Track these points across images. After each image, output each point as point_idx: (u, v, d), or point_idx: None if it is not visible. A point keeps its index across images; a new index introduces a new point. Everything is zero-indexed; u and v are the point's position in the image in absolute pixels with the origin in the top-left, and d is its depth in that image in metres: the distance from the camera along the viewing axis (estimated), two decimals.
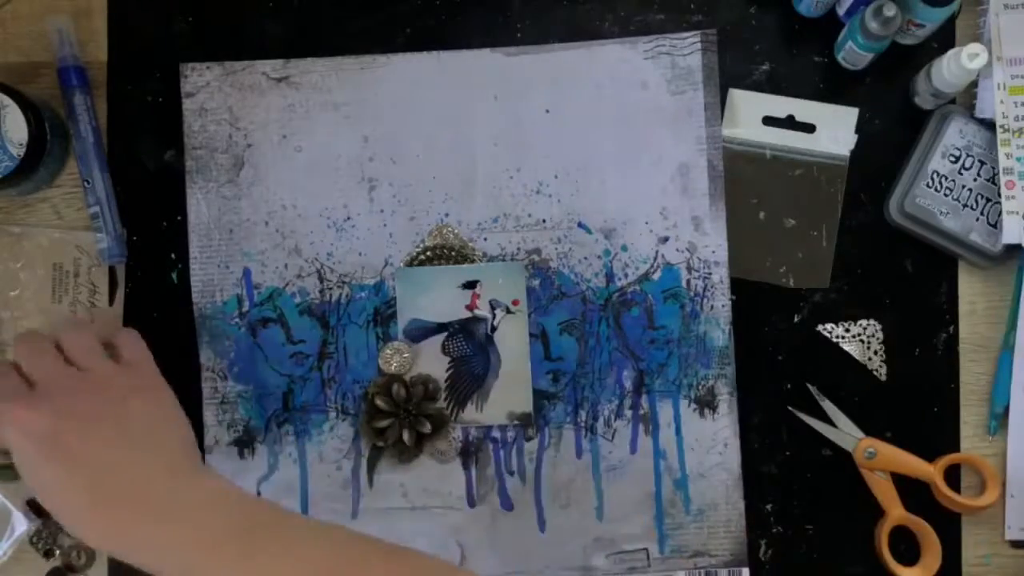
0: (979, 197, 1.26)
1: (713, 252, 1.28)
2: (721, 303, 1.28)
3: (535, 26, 1.30)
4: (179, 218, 1.30)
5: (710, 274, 1.28)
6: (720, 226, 1.28)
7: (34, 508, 1.29)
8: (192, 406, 1.26)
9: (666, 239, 1.28)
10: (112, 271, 1.31)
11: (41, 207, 1.32)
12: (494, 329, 1.27)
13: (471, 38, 1.30)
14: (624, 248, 1.28)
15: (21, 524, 1.28)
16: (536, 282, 1.28)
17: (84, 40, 1.31)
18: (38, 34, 1.31)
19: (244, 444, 1.28)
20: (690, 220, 1.28)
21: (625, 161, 1.28)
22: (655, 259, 1.28)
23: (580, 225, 1.28)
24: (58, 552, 1.29)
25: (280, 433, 1.28)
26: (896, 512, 1.27)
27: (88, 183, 1.28)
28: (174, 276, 1.30)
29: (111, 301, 1.30)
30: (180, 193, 1.30)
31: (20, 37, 1.32)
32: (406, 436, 1.25)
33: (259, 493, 1.28)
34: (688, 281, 1.28)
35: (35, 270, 1.30)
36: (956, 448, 1.29)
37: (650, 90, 1.29)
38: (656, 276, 1.28)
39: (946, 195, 1.25)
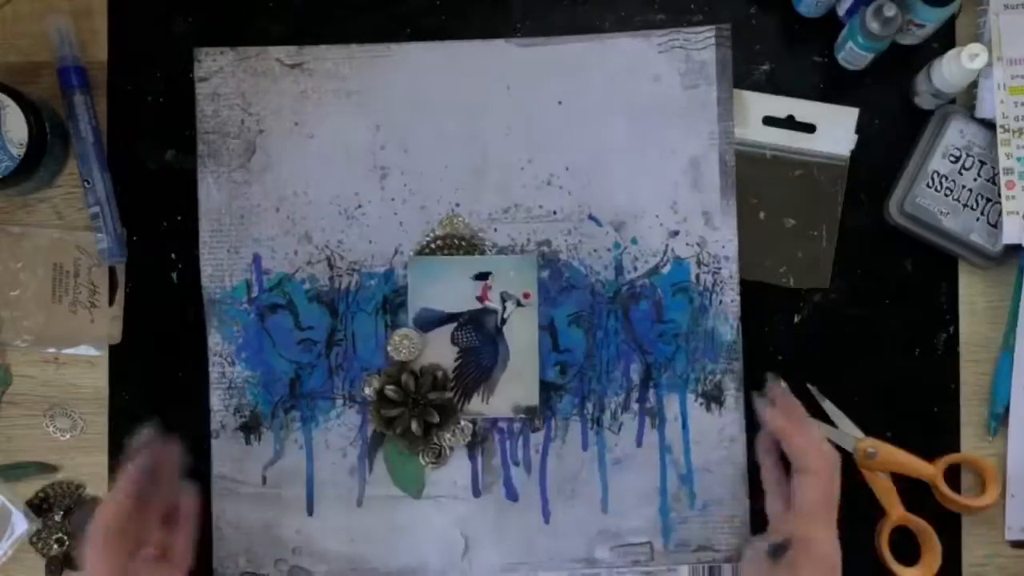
0: (979, 197, 1.27)
1: (723, 247, 1.28)
2: (730, 298, 1.28)
3: (535, 25, 1.31)
4: (179, 218, 1.30)
5: (719, 269, 1.28)
6: (730, 221, 1.28)
7: (34, 508, 1.28)
8: (199, 393, 1.26)
9: (676, 233, 1.28)
10: (112, 271, 1.30)
11: (41, 207, 1.32)
12: (504, 321, 1.27)
13: (470, 38, 1.31)
14: (634, 241, 1.28)
15: (21, 524, 1.27)
16: (546, 273, 1.28)
17: (84, 40, 1.32)
18: (38, 34, 1.31)
19: (250, 430, 1.28)
20: (700, 214, 1.28)
21: (636, 154, 1.29)
22: (665, 253, 1.28)
23: (591, 217, 1.28)
24: (55, 547, 1.28)
25: (287, 419, 1.28)
26: (896, 512, 1.27)
27: (88, 183, 1.28)
28: (174, 276, 1.30)
29: (111, 301, 1.30)
30: (181, 192, 1.30)
31: (20, 37, 1.32)
32: (414, 426, 1.25)
33: (264, 479, 1.28)
34: (697, 275, 1.28)
35: (35, 270, 1.30)
36: (956, 448, 1.30)
37: (663, 84, 1.29)
38: (665, 270, 1.28)
39: (946, 195, 1.26)
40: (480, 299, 1.27)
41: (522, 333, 1.27)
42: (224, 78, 1.30)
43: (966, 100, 1.30)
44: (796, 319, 1.30)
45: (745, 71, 1.31)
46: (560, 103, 1.29)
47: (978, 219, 1.26)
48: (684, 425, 1.28)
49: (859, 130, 1.30)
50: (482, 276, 1.27)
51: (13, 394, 1.30)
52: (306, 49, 1.30)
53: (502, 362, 1.27)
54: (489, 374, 1.27)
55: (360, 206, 1.29)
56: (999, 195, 1.25)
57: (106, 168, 1.30)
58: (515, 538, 1.28)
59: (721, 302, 1.28)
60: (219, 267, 1.29)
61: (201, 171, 1.29)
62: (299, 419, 1.28)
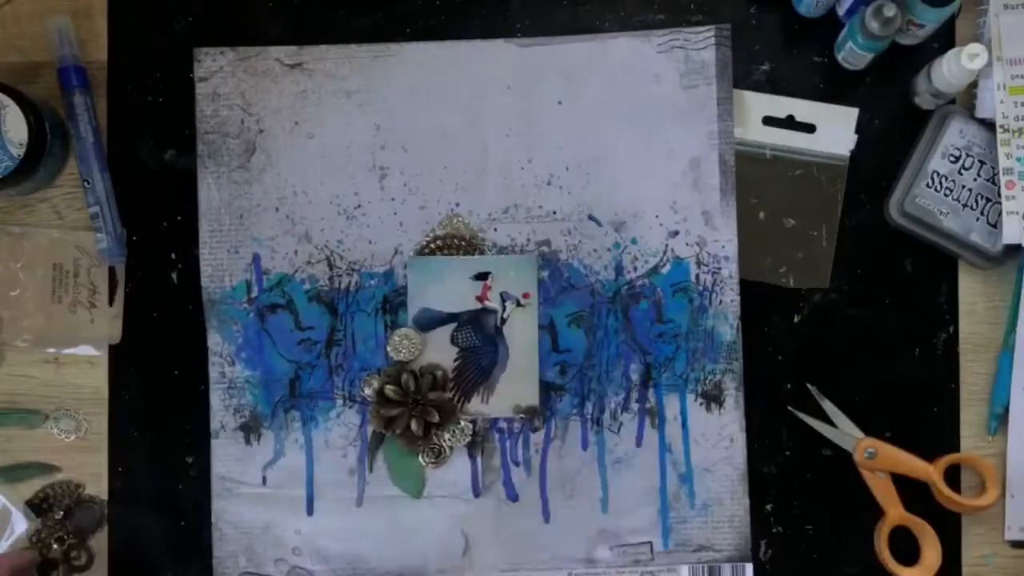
0: (979, 197, 1.27)
1: (723, 247, 1.28)
2: (730, 298, 1.28)
3: (535, 26, 1.31)
4: (179, 218, 1.30)
5: (719, 268, 1.28)
6: (730, 221, 1.29)
7: (34, 508, 1.28)
8: (198, 393, 1.28)
9: (676, 233, 1.29)
10: (112, 271, 1.30)
11: (41, 207, 1.31)
12: (504, 321, 1.27)
13: (470, 38, 1.31)
14: (634, 241, 1.28)
15: (21, 524, 1.28)
16: (545, 273, 1.28)
17: (84, 40, 1.32)
18: (38, 34, 1.31)
19: (250, 430, 1.28)
20: (700, 214, 1.29)
21: (636, 154, 1.29)
22: (665, 253, 1.28)
23: (590, 217, 1.29)
24: (55, 546, 1.28)
25: (287, 419, 1.28)
26: (896, 512, 1.27)
27: (88, 183, 1.28)
28: (174, 276, 1.30)
29: (111, 301, 1.30)
30: (181, 192, 1.30)
31: (20, 37, 1.32)
32: (414, 425, 1.25)
33: (264, 479, 1.28)
34: (697, 275, 1.28)
35: (35, 270, 1.30)
36: (956, 448, 1.30)
37: (663, 84, 1.29)
38: (665, 270, 1.29)
39: (946, 195, 1.26)
40: (480, 299, 1.28)
41: (522, 333, 1.28)
42: (224, 78, 1.30)
43: (966, 100, 1.30)
44: (796, 319, 1.30)
45: (745, 71, 1.31)
46: (560, 103, 1.29)
47: (978, 219, 1.26)
48: (684, 425, 1.28)
49: (859, 130, 1.30)
50: (482, 276, 1.27)
51: (14, 394, 1.30)
52: (306, 49, 1.30)
53: (502, 362, 1.27)
54: (489, 374, 1.27)
55: (360, 206, 1.29)
56: (999, 195, 1.25)
57: (106, 168, 1.30)
58: (515, 538, 1.28)
59: (721, 302, 1.28)
60: (219, 267, 1.29)
61: (201, 171, 1.29)
62: (299, 419, 1.28)
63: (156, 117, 1.31)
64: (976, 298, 1.30)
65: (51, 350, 1.30)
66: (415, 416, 1.25)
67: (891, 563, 1.27)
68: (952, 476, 1.29)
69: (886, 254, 1.30)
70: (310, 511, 1.28)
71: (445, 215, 1.29)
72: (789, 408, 1.29)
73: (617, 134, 1.29)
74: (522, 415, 1.27)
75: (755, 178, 1.30)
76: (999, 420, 1.29)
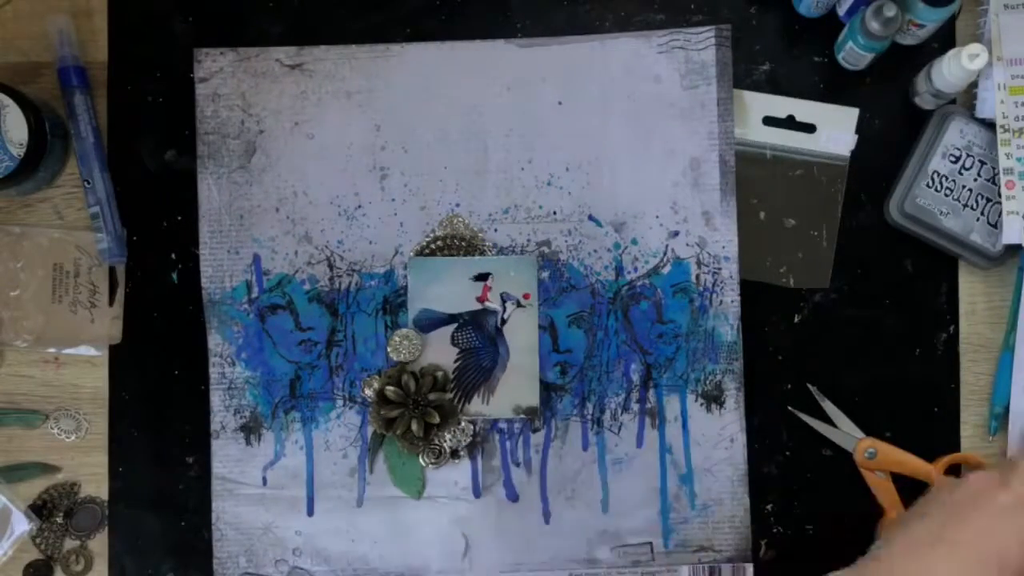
0: (979, 197, 1.27)
1: (723, 247, 1.28)
2: (730, 299, 1.28)
3: (535, 26, 1.31)
4: (179, 218, 1.30)
5: (719, 269, 1.28)
6: (730, 221, 1.28)
7: (36, 510, 1.29)
8: (199, 393, 1.28)
9: (676, 233, 1.28)
10: (112, 271, 1.30)
11: (41, 207, 1.31)
12: (504, 322, 1.27)
13: (470, 38, 1.31)
14: (634, 241, 1.28)
15: (21, 524, 1.27)
16: (546, 274, 1.28)
17: (84, 40, 1.32)
18: (38, 34, 1.31)
19: (251, 430, 1.28)
20: (700, 215, 1.28)
21: (637, 154, 1.29)
22: (665, 253, 1.28)
23: (590, 218, 1.28)
24: (60, 545, 1.29)
25: (287, 420, 1.28)
26: (896, 512, 1.27)
27: (88, 183, 1.28)
28: (174, 276, 1.30)
29: (111, 301, 1.30)
30: (181, 193, 1.30)
31: (20, 37, 1.32)
32: (415, 427, 1.25)
33: (265, 480, 1.28)
34: (698, 276, 1.28)
35: (35, 270, 1.30)
36: (956, 448, 1.29)
37: (663, 84, 1.29)
38: (666, 270, 1.28)
39: (946, 195, 1.26)
40: (480, 300, 1.28)
41: (522, 334, 1.28)
42: (224, 79, 1.29)
43: (966, 100, 1.30)
44: (796, 319, 1.30)
45: (745, 71, 1.31)
46: (560, 103, 1.29)
47: (978, 219, 1.26)
48: (684, 425, 1.28)
49: (859, 130, 1.29)
50: (482, 277, 1.27)
51: (14, 394, 1.30)
52: (306, 49, 1.30)
53: (502, 363, 1.27)
54: (489, 375, 1.27)
55: (360, 206, 1.29)
56: (999, 195, 1.25)
57: (106, 168, 1.30)
58: (515, 539, 1.28)
59: (721, 302, 1.28)
60: (219, 268, 1.29)
61: (201, 172, 1.29)
62: (299, 420, 1.28)
63: (156, 117, 1.31)
64: (976, 298, 1.30)
65: (51, 350, 1.30)
66: (415, 417, 1.25)
67: None
68: (952, 476, 1.28)
69: (886, 254, 1.30)
70: (310, 512, 1.28)
71: (445, 215, 1.28)
72: (789, 408, 1.29)
73: (617, 134, 1.29)
74: (522, 415, 1.27)
75: (755, 178, 1.30)
76: (999, 420, 1.29)
